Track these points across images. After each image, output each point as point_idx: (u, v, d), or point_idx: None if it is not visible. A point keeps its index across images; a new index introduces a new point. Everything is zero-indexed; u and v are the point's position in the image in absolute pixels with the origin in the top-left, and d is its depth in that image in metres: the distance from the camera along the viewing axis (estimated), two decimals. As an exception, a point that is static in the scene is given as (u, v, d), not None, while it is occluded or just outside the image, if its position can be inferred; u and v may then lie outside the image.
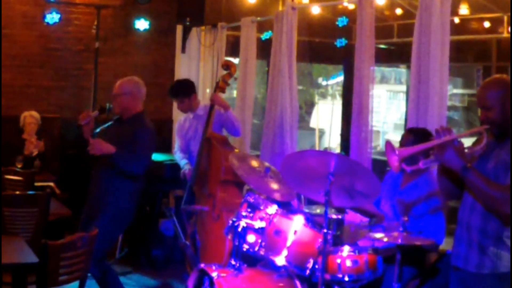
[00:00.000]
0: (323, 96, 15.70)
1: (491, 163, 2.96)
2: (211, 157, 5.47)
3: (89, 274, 4.02)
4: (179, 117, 6.35)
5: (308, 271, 3.63)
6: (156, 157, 6.81)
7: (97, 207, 4.75)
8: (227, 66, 5.76)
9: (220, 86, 5.72)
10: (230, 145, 5.60)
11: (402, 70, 13.43)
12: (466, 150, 2.99)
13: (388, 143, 3.01)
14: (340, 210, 4.26)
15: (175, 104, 8.07)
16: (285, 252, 3.65)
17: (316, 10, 7.95)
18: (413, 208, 4.03)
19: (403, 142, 4.15)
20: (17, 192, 5.39)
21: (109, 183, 4.75)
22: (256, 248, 3.67)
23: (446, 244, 5.03)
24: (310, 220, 3.77)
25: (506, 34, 8.59)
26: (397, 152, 2.94)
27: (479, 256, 2.96)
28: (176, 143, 6.19)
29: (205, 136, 5.54)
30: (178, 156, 6.06)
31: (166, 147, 6.26)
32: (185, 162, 5.94)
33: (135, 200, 4.86)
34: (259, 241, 3.67)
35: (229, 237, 3.77)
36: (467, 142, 3.10)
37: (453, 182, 3.10)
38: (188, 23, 8.13)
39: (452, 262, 3.12)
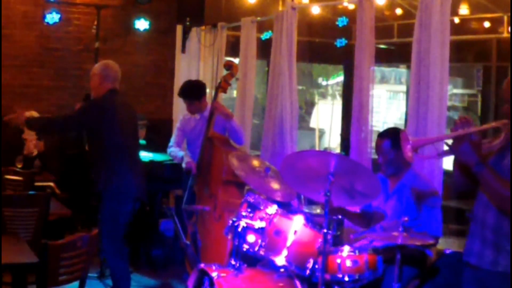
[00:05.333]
0: (323, 96, 15.71)
1: (507, 159, 2.92)
2: (212, 158, 5.45)
3: (89, 274, 4.01)
4: (184, 112, 6.22)
5: (308, 271, 3.63)
6: (156, 157, 6.79)
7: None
8: (229, 66, 5.76)
9: (222, 86, 5.72)
10: (231, 145, 5.57)
11: (402, 70, 13.43)
12: (487, 143, 2.93)
13: (404, 133, 2.98)
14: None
15: (175, 104, 8.10)
16: (285, 252, 3.64)
17: (316, 10, 7.95)
18: (406, 208, 4.01)
19: (380, 149, 4.09)
20: (17, 192, 5.39)
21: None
22: (256, 248, 3.66)
23: (444, 244, 5.03)
24: (310, 220, 3.76)
25: (506, 34, 8.59)
26: (410, 142, 2.92)
27: (494, 253, 2.91)
28: (173, 137, 6.09)
29: (206, 137, 5.52)
30: (174, 149, 5.97)
31: (166, 147, 6.27)
32: (183, 153, 5.87)
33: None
34: (259, 241, 3.66)
35: (229, 237, 3.77)
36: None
37: (468, 177, 3.02)
38: (188, 23, 8.13)
39: (464, 257, 3.08)
